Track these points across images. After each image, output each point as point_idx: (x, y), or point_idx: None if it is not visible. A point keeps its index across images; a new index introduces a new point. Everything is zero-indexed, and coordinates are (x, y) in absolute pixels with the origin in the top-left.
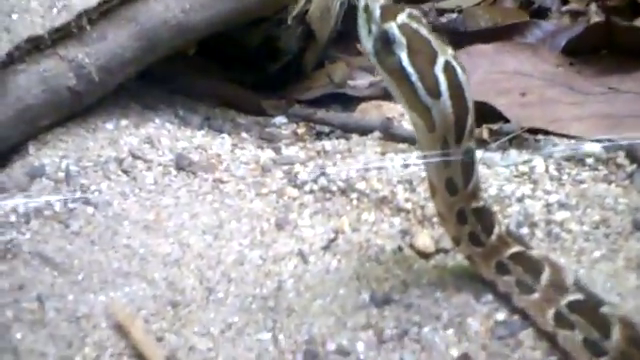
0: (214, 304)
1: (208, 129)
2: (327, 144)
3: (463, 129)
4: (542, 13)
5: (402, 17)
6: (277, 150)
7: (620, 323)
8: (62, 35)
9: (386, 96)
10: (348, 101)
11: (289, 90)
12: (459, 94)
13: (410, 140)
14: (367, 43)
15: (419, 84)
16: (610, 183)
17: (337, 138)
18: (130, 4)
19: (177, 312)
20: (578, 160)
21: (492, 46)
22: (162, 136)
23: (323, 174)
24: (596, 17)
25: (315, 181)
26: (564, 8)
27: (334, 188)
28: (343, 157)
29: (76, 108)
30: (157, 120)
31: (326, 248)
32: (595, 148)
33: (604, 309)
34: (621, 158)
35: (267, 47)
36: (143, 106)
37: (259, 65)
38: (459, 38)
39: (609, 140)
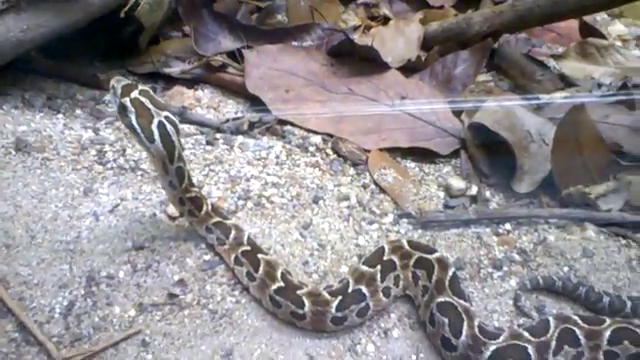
0: (34, 246)
1: (48, 109)
2: None
3: (173, 157)
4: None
5: (134, 93)
6: (97, 131)
7: (264, 262)
8: None
9: (191, 84)
10: (168, 81)
11: (129, 63)
12: (167, 139)
13: (200, 124)
14: (114, 107)
15: (142, 135)
16: (315, 167)
17: None
18: None
19: (9, 251)
20: (304, 148)
21: (277, 46)
22: (7, 122)
23: (123, 154)
24: (386, 10)
25: (115, 160)
26: (360, 0)
27: (127, 166)
28: None
29: None
30: (5, 106)
31: (112, 211)
32: (318, 139)
33: (260, 255)
34: (329, 149)
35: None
36: None
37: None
38: (257, 35)
39: (329, 135)
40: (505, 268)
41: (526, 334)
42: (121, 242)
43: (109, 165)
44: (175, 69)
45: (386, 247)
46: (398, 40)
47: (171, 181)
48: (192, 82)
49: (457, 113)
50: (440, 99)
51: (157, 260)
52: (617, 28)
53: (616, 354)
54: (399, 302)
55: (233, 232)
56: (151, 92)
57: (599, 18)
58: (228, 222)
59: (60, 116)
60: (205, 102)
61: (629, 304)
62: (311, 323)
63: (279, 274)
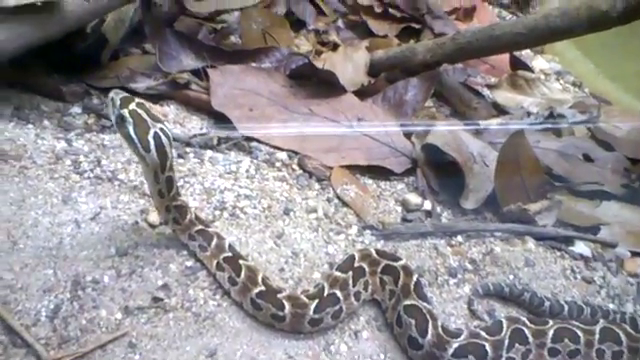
0: (17, 252)
1: (18, 120)
2: (107, 138)
3: (165, 166)
4: (299, 25)
5: (132, 105)
6: (69, 142)
7: (246, 268)
8: None
9: (156, 100)
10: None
11: (88, 77)
12: (161, 149)
13: None
14: (112, 118)
15: (139, 144)
16: (283, 182)
17: (115, 132)
18: None
19: None
20: (271, 163)
21: (239, 67)
22: None
23: (98, 165)
24: (335, 37)
25: (92, 170)
26: (311, 27)
27: (104, 176)
28: (115, 152)
29: None
30: None
31: (93, 219)
32: (284, 156)
33: (241, 261)
34: (295, 165)
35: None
36: None
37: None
38: (217, 55)
39: (294, 152)
40: (459, 276)
41: (483, 333)
42: (104, 248)
43: (86, 175)
44: (141, 85)
45: (356, 255)
46: (347, 65)
47: (160, 189)
48: (157, 98)
49: (407, 135)
50: (392, 122)
51: (141, 266)
52: (539, 63)
53: (558, 350)
54: (366, 306)
55: (215, 239)
56: (147, 105)
57: (524, 53)
58: (210, 230)
59: (30, 126)
60: (171, 117)
61: (566, 307)
62: (290, 325)
63: (260, 279)
